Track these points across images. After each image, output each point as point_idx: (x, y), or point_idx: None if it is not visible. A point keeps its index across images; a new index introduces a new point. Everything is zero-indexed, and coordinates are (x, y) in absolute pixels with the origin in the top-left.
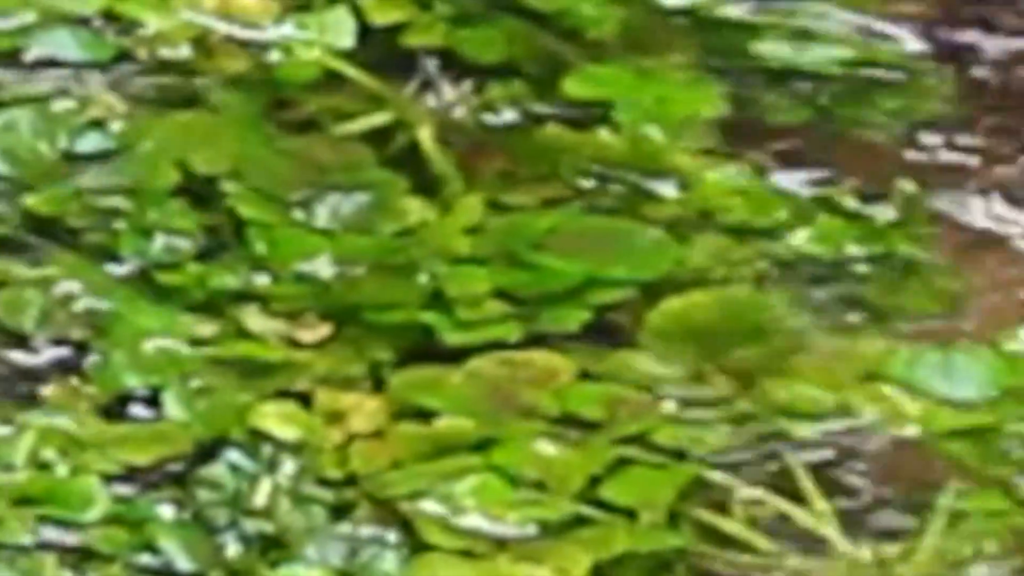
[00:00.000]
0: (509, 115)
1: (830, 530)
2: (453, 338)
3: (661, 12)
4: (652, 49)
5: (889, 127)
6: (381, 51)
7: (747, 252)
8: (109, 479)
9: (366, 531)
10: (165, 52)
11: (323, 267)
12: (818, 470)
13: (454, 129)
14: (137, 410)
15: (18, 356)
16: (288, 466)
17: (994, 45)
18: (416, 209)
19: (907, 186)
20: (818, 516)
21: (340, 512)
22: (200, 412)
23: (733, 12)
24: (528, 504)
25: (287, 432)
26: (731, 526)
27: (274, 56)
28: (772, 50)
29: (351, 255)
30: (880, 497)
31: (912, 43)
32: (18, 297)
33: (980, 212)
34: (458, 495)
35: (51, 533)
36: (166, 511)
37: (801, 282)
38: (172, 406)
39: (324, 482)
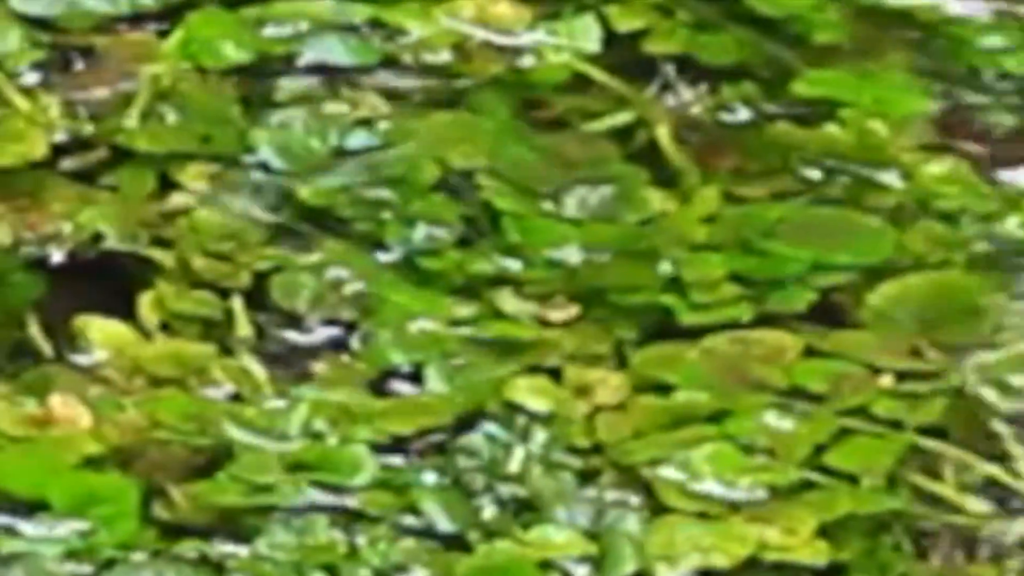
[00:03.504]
0: (742, 114)
1: None
2: (690, 318)
3: (883, 15)
4: (874, 51)
5: None
6: (624, 56)
7: (961, 238)
8: (376, 448)
9: (611, 495)
10: (427, 57)
11: (571, 253)
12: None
13: (691, 127)
14: (401, 385)
15: (293, 335)
16: (540, 435)
17: None
18: (657, 200)
19: None
20: None
21: (587, 477)
22: (459, 386)
23: (953, 14)
24: (759, 470)
25: (539, 404)
26: (944, 490)
27: (527, 60)
28: (988, 51)
29: (597, 242)
30: None
31: None
32: (293, 281)
33: None
34: (695, 462)
35: (322, 497)
36: (428, 477)
37: (1010, 265)
38: (433, 381)
39: (572, 450)
